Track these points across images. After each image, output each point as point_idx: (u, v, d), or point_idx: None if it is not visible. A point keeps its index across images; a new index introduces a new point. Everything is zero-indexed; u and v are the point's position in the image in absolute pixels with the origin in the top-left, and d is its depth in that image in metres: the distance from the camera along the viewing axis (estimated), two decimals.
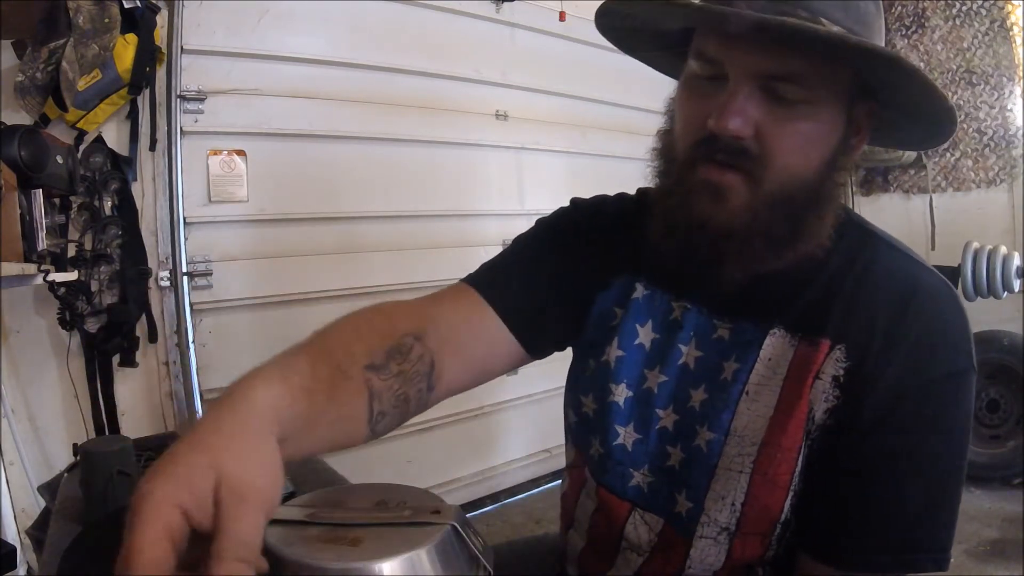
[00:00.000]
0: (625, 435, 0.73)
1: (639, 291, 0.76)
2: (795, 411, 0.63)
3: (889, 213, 3.15)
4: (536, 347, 0.77)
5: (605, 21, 0.71)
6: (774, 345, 0.66)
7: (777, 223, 0.63)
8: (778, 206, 0.62)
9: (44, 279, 1.48)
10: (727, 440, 0.66)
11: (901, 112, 0.66)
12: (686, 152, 0.65)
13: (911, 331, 0.62)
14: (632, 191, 0.84)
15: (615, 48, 0.77)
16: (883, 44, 0.64)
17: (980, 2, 2.89)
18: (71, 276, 1.66)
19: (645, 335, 0.75)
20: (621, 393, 0.74)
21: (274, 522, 0.50)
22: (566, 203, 0.85)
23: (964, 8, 2.93)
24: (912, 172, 3.10)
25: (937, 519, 0.62)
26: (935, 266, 0.70)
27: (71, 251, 1.75)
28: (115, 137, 1.88)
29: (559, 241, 0.80)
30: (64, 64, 1.63)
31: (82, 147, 1.79)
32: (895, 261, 0.68)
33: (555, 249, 0.79)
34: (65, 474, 1.09)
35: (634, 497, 0.72)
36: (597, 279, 0.78)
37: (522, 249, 0.81)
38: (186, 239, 1.99)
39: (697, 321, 0.72)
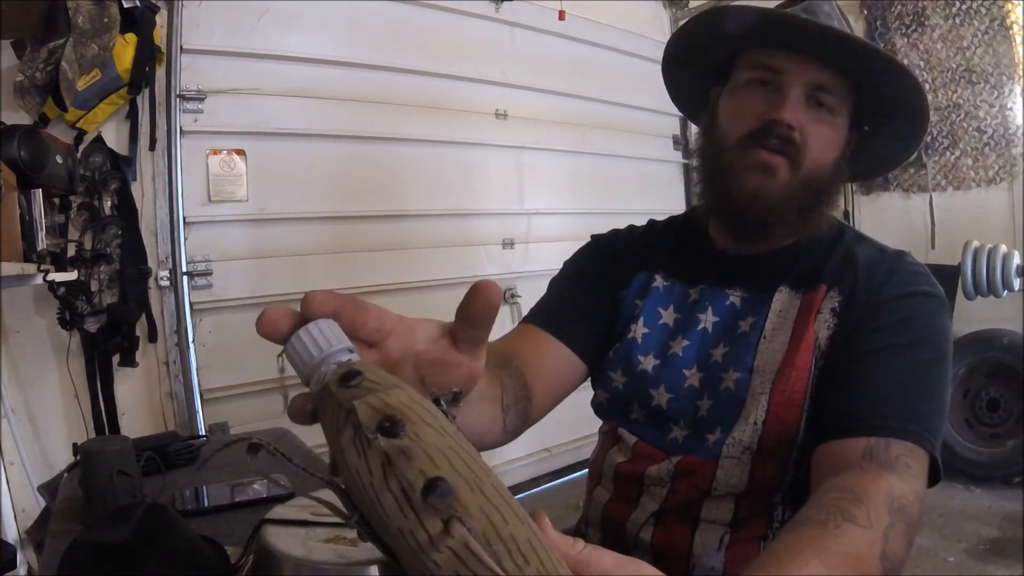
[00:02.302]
0: (659, 396, 0.84)
1: (659, 282, 0.90)
2: (804, 339, 0.77)
3: (889, 212, 3.13)
4: (585, 349, 0.88)
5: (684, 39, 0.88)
6: (782, 300, 0.81)
7: (807, 199, 0.79)
8: (809, 186, 0.79)
9: (44, 279, 1.48)
10: (751, 376, 0.78)
11: (881, 137, 0.85)
12: (741, 138, 0.79)
13: (887, 269, 0.78)
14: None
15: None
16: None
17: (980, 1, 2.89)
18: (71, 276, 1.66)
19: (668, 316, 0.88)
20: (649, 362, 0.86)
21: (274, 522, 0.50)
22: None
23: (964, 7, 2.92)
24: (912, 171, 3.09)
25: (928, 405, 0.70)
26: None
27: (71, 251, 1.75)
28: (115, 137, 1.88)
29: (583, 264, 0.96)
30: (64, 64, 1.63)
31: (82, 147, 1.79)
32: (870, 241, 0.86)
33: (581, 270, 0.95)
34: (65, 474, 1.09)
35: (670, 448, 0.82)
36: (619, 279, 0.92)
37: (556, 283, 0.96)
38: (186, 239, 1.99)
39: (712, 294, 0.85)
